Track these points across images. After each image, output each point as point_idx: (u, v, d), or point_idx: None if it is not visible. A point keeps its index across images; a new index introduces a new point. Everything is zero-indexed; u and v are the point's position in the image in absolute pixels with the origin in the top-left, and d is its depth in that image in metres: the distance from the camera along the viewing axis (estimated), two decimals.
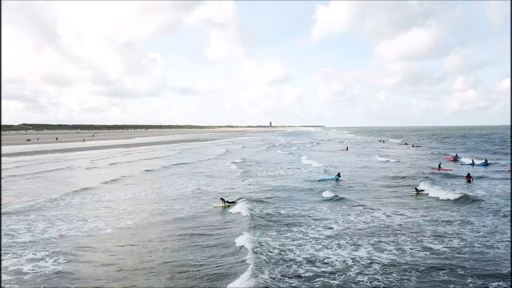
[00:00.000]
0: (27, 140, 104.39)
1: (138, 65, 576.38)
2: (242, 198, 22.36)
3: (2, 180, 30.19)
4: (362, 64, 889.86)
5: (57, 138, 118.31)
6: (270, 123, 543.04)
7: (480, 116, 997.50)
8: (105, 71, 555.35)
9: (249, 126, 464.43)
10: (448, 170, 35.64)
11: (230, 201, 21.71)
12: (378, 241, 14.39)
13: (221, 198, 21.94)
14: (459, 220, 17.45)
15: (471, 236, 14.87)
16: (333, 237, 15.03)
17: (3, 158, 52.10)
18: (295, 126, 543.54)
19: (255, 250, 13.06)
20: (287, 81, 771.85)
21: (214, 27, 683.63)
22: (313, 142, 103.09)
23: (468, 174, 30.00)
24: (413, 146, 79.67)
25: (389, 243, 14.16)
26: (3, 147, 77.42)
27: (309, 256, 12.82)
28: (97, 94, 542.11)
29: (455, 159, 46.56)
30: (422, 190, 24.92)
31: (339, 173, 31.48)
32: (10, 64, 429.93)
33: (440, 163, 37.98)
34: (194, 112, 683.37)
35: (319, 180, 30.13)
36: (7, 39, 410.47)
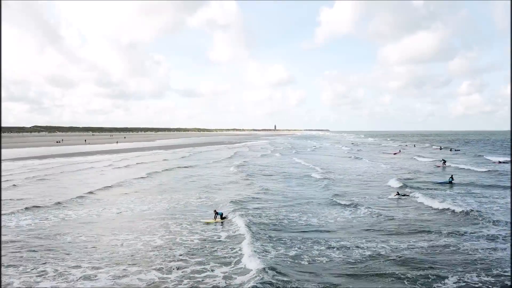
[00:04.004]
0: (57, 142, 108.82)
1: (142, 66, 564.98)
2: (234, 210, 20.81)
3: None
4: (366, 67, 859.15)
5: (85, 140, 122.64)
6: (275, 126, 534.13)
7: (485, 121, 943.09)
8: (109, 72, 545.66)
9: (254, 130, 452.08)
10: None
11: (224, 215, 19.27)
12: None
13: (215, 211, 19.41)
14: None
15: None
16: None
17: (61, 159, 55.56)
18: (301, 130, 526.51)
19: None
20: (291, 83, 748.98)
21: (217, 29, 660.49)
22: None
23: None
24: (450, 150, 76.05)
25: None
26: (38, 149, 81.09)
27: None
28: (101, 96, 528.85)
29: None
30: (403, 194, 25.29)
31: (452, 175, 32.82)
32: (14, 65, 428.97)
33: None
34: (197, 114, 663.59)
35: (435, 183, 31.37)
36: (11, 40, 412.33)
